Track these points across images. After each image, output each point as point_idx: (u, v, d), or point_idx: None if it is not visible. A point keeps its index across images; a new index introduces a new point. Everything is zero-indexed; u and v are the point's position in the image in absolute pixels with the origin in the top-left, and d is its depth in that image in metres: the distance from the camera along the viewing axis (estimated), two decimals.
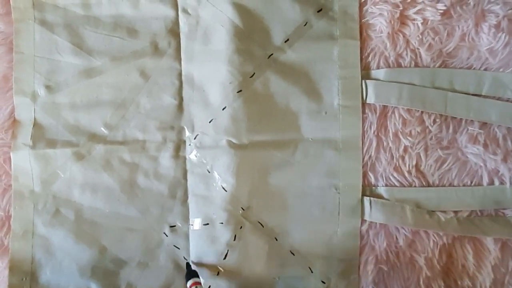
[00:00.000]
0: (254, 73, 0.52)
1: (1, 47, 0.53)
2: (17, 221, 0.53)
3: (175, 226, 0.53)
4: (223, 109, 0.52)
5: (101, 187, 0.53)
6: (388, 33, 0.51)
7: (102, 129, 0.53)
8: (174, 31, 0.52)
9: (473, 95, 0.51)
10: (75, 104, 0.53)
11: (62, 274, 0.52)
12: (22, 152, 0.52)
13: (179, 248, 0.53)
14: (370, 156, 0.52)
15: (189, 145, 0.53)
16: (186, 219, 0.53)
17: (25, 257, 0.52)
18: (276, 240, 0.52)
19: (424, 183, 0.52)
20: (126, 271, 0.53)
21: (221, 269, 0.52)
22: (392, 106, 0.52)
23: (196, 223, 0.53)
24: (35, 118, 0.53)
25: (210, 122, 0.52)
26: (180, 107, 0.53)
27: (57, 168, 0.52)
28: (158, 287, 0.53)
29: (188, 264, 0.51)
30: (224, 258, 0.52)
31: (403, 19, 0.51)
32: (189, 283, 0.48)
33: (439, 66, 0.51)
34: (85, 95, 0.53)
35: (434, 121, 0.51)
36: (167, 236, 0.53)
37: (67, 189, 0.53)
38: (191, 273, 0.49)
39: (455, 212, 0.51)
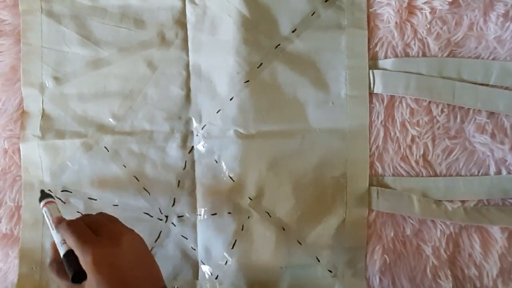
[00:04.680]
0: (262, 63, 0.52)
1: (9, 39, 0.53)
2: (27, 211, 0.53)
3: (183, 216, 0.53)
4: (230, 100, 0.52)
5: (109, 177, 0.53)
6: (396, 22, 0.51)
7: (110, 119, 0.53)
8: (181, 22, 0.52)
9: (481, 84, 0.51)
10: (83, 95, 0.53)
11: None
12: (31, 143, 0.53)
13: (187, 238, 0.53)
14: (377, 146, 0.52)
15: (197, 135, 0.53)
16: (193, 209, 0.53)
17: (35, 246, 0.53)
18: (284, 230, 0.52)
19: (431, 172, 0.52)
20: None
21: (228, 258, 0.52)
22: (399, 96, 0.51)
23: (203, 213, 0.53)
24: (43, 109, 0.53)
25: (217, 112, 0.52)
26: (187, 97, 0.53)
27: (66, 159, 0.53)
28: (166, 277, 0.53)
29: (42, 190, 0.48)
30: (232, 248, 0.52)
31: (411, 9, 0.51)
32: (42, 203, 0.45)
33: (447, 56, 0.51)
34: (93, 86, 0.53)
35: (442, 111, 0.51)
36: (175, 226, 0.53)
37: (76, 180, 0.53)
38: (44, 195, 0.47)
39: (462, 201, 0.51)
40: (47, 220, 0.44)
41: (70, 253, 0.39)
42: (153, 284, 0.39)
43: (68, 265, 0.39)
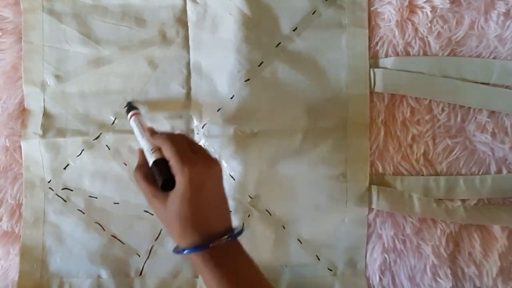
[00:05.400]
0: (262, 61, 0.52)
1: (10, 37, 0.53)
2: (28, 209, 0.53)
3: None
4: (231, 98, 0.52)
5: (110, 175, 0.53)
6: (397, 21, 0.51)
7: (111, 118, 0.53)
8: (182, 20, 0.52)
9: (481, 83, 0.51)
10: (84, 93, 0.53)
11: (72, 261, 0.53)
12: (32, 141, 0.53)
13: None
14: (378, 145, 0.52)
15: (197, 134, 0.53)
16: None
17: (36, 244, 0.53)
18: (284, 228, 0.53)
19: (432, 171, 0.52)
20: (135, 259, 0.53)
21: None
22: (400, 95, 0.52)
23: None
24: (44, 108, 0.53)
25: (218, 111, 0.52)
26: (188, 96, 0.53)
27: (67, 157, 0.53)
28: (166, 274, 0.53)
29: (128, 102, 0.51)
30: None
31: (412, 7, 0.51)
32: (129, 114, 0.48)
33: (448, 55, 0.51)
34: (94, 85, 0.53)
35: (443, 110, 0.51)
36: None
37: (77, 178, 0.53)
38: (131, 107, 0.49)
39: (463, 200, 0.51)
40: (136, 130, 0.46)
41: (160, 161, 0.41)
42: (226, 218, 0.41)
43: (159, 173, 0.40)
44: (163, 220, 0.40)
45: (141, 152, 0.44)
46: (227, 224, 0.40)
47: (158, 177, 0.40)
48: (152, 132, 0.44)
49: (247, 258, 0.39)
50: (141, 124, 0.46)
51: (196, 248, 0.37)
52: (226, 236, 0.38)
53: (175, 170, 0.38)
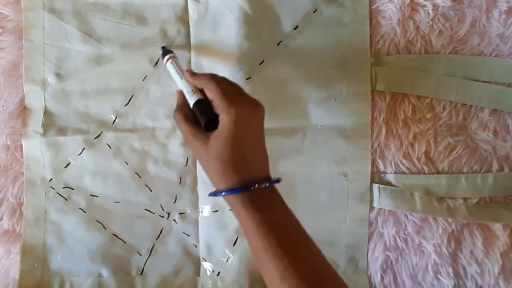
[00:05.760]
0: (263, 60, 0.52)
1: (11, 35, 0.53)
2: (29, 208, 0.53)
3: (184, 213, 0.53)
4: None
5: (111, 174, 0.53)
6: (398, 19, 0.51)
7: (112, 116, 0.53)
8: (183, 18, 0.52)
9: (483, 81, 0.51)
10: (85, 92, 0.53)
11: (73, 260, 0.53)
12: (33, 140, 0.53)
13: (188, 235, 0.53)
14: (379, 143, 0.52)
15: None
16: (195, 206, 0.53)
17: (37, 243, 0.53)
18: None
19: (433, 170, 0.52)
20: (136, 257, 0.53)
21: (230, 255, 0.52)
22: (401, 93, 0.51)
23: (205, 210, 0.53)
24: (45, 106, 0.53)
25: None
26: None
27: (68, 156, 0.53)
28: (167, 273, 0.53)
29: (163, 47, 0.51)
30: (233, 245, 0.52)
31: (413, 5, 0.51)
32: (166, 58, 0.48)
33: (450, 53, 0.51)
34: (95, 83, 0.53)
35: (444, 108, 0.51)
36: (176, 223, 0.53)
37: (78, 176, 0.53)
38: (166, 51, 0.49)
39: (464, 198, 0.51)
40: (173, 72, 0.46)
41: (202, 102, 0.41)
42: (265, 165, 0.40)
43: (201, 113, 0.40)
44: (203, 161, 0.40)
45: (180, 93, 0.43)
46: (266, 170, 0.40)
47: (200, 117, 0.40)
48: (192, 74, 0.44)
49: (284, 205, 0.39)
50: (178, 67, 0.46)
51: (236, 190, 0.37)
52: (266, 182, 0.38)
53: (220, 109, 0.38)
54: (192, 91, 0.42)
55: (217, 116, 0.39)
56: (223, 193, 0.38)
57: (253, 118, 0.39)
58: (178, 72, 0.46)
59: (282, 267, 0.35)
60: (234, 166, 0.38)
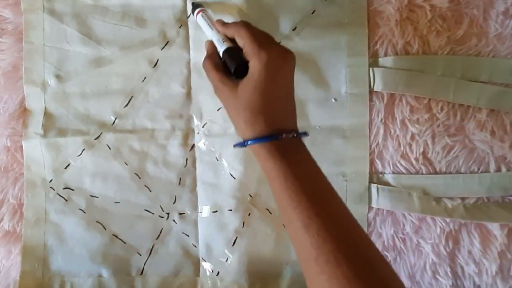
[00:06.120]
0: None
1: (11, 37, 0.54)
2: (29, 209, 0.54)
3: (184, 213, 0.54)
4: None
5: (111, 175, 0.53)
6: (396, 20, 0.51)
7: (112, 117, 0.53)
8: (182, 20, 0.53)
9: (481, 82, 0.51)
10: (85, 93, 0.53)
11: (73, 261, 0.53)
12: (33, 141, 0.53)
13: (188, 235, 0.54)
14: (377, 144, 0.52)
15: (198, 133, 0.53)
16: (195, 206, 0.54)
17: (38, 244, 0.53)
18: (284, 226, 0.53)
19: (431, 170, 0.52)
20: (136, 258, 0.54)
21: (229, 255, 0.52)
22: (399, 94, 0.52)
23: (204, 211, 0.53)
24: (45, 108, 0.53)
25: (218, 110, 0.52)
26: (188, 95, 0.53)
27: (68, 157, 0.53)
28: (167, 273, 0.54)
29: (192, 3, 0.51)
30: (233, 245, 0.52)
31: (411, 6, 0.51)
32: (196, 11, 0.48)
33: (447, 53, 0.51)
34: (95, 84, 0.53)
35: (442, 109, 0.51)
36: (176, 223, 0.54)
37: (78, 177, 0.53)
38: (196, 5, 0.49)
39: (462, 198, 0.51)
40: (204, 24, 0.46)
41: (233, 49, 0.40)
42: (293, 116, 0.39)
43: (231, 59, 0.39)
44: (231, 109, 0.39)
45: (210, 43, 0.43)
46: (294, 122, 0.39)
47: (230, 63, 0.39)
48: (223, 23, 0.43)
49: (311, 158, 0.38)
50: (209, 19, 0.46)
51: (264, 138, 0.36)
52: (294, 133, 0.37)
53: (251, 55, 0.37)
54: (222, 39, 0.42)
55: (247, 62, 0.38)
56: (249, 142, 0.37)
57: (284, 65, 0.38)
58: (208, 24, 0.45)
59: (307, 216, 0.34)
60: (263, 114, 0.36)
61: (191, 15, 0.50)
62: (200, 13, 0.47)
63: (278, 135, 0.36)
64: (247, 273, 0.52)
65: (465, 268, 0.52)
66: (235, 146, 0.40)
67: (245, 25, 0.40)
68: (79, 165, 0.53)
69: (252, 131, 0.37)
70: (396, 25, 0.51)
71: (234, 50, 0.40)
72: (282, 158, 0.36)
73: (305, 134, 0.39)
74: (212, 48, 0.43)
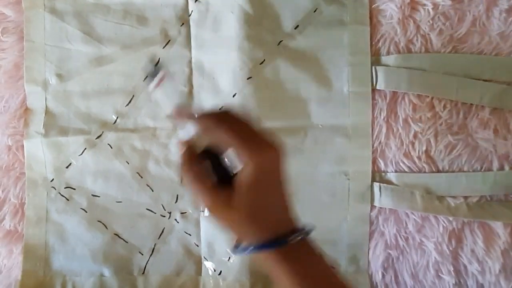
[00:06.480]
0: (264, 59, 0.52)
1: (12, 36, 0.54)
2: (31, 208, 0.53)
3: (186, 212, 0.54)
4: (233, 96, 0.52)
5: (112, 174, 0.53)
6: (399, 18, 0.51)
7: (113, 116, 0.53)
8: (184, 19, 0.52)
9: (483, 80, 0.51)
10: (86, 92, 0.53)
11: (75, 260, 0.53)
12: (34, 140, 0.53)
13: (190, 235, 0.53)
14: (380, 142, 0.52)
15: None
16: (196, 205, 0.53)
17: (39, 243, 0.53)
18: None
19: (434, 168, 0.52)
20: (138, 257, 0.53)
21: (232, 254, 0.52)
22: (402, 92, 0.52)
23: (206, 210, 0.53)
24: (46, 107, 0.53)
25: (220, 109, 0.52)
26: (190, 94, 0.53)
27: (69, 156, 0.53)
28: (169, 273, 0.54)
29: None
30: None
31: (413, 4, 0.51)
32: (158, 77, 0.37)
33: (450, 52, 0.51)
34: (96, 83, 0.53)
35: (445, 107, 0.51)
36: (178, 222, 0.53)
37: (79, 177, 0.53)
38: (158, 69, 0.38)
39: (465, 197, 0.51)
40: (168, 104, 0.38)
41: (213, 154, 0.35)
42: (292, 212, 0.35)
43: (215, 168, 0.35)
44: (227, 219, 0.35)
45: (182, 146, 0.37)
46: (294, 219, 0.35)
47: (216, 174, 0.35)
48: (190, 116, 0.36)
49: (316, 254, 0.35)
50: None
51: (270, 245, 0.33)
52: (300, 232, 0.34)
53: (241, 160, 0.33)
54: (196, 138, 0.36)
55: (230, 170, 0.35)
56: (255, 249, 0.33)
57: (277, 162, 0.34)
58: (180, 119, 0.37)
59: None
60: (266, 219, 0.34)
61: (148, 80, 0.38)
62: (163, 82, 0.37)
63: (285, 241, 0.33)
64: (249, 272, 0.52)
65: (468, 267, 0.52)
66: (235, 253, 0.35)
67: (222, 120, 0.34)
68: (80, 164, 0.53)
69: (254, 239, 0.33)
70: (399, 23, 0.51)
71: (214, 155, 0.35)
72: (293, 263, 0.33)
73: (312, 230, 0.35)
74: (187, 154, 0.36)
